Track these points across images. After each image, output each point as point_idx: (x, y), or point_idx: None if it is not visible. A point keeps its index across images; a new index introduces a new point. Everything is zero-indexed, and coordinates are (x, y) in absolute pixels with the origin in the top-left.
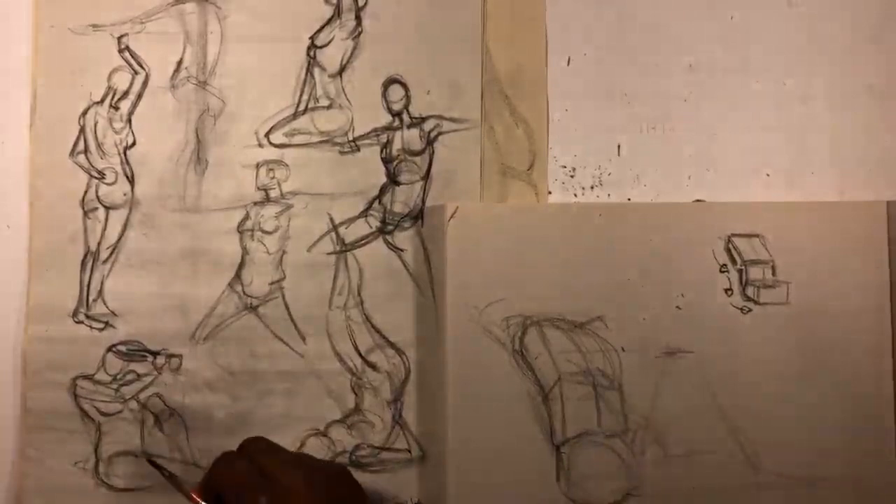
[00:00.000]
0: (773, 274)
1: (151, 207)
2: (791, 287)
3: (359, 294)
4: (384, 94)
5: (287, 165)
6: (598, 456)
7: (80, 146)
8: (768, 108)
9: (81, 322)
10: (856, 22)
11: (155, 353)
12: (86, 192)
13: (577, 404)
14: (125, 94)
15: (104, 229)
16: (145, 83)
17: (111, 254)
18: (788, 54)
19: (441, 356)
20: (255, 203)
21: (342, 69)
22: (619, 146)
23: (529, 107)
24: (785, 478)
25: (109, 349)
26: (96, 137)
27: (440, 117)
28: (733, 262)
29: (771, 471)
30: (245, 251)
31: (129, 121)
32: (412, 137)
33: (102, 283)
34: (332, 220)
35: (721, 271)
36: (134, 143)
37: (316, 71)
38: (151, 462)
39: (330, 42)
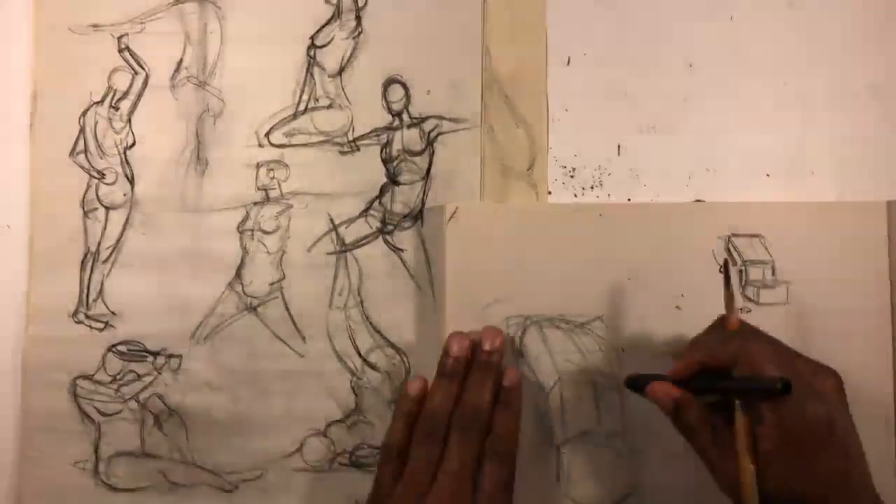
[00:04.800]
0: (773, 274)
1: (151, 207)
2: (791, 287)
3: (359, 294)
4: (384, 94)
5: (287, 165)
6: (598, 456)
7: (80, 146)
8: (768, 108)
9: (81, 322)
10: (856, 22)
11: (155, 354)
12: (86, 192)
13: (577, 404)
14: (125, 94)
15: (104, 229)
16: (145, 83)
17: (111, 254)
18: (788, 54)
19: None
20: (255, 203)
21: (342, 69)
22: (619, 146)
23: (529, 107)
24: None
25: (109, 349)
26: (96, 137)
27: (440, 117)
28: (733, 262)
29: None
30: (245, 251)
31: (129, 121)
32: (412, 137)
33: (102, 283)
34: (332, 220)
35: (721, 271)
36: (134, 143)
37: (316, 71)
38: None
39: (330, 42)
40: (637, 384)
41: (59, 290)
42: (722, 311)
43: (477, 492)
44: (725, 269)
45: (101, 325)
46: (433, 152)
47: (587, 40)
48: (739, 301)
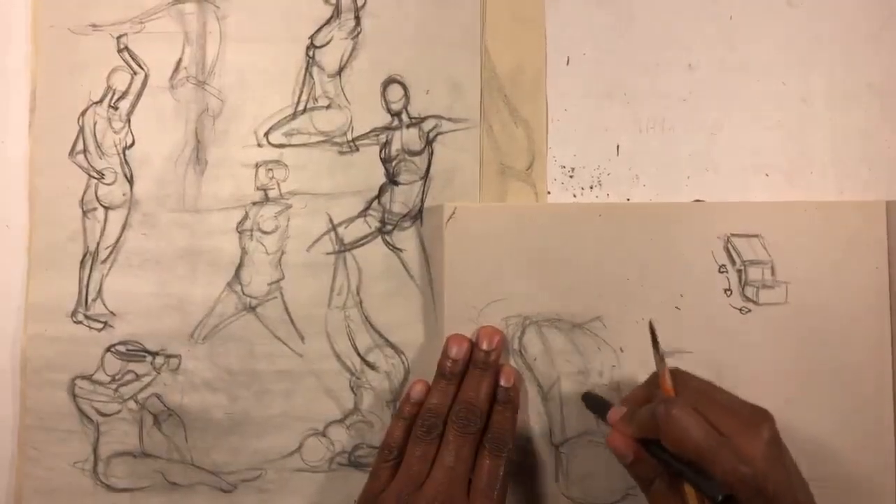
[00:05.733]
0: (773, 274)
1: (150, 207)
2: (790, 287)
3: (358, 294)
4: (383, 94)
5: (286, 165)
6: (596, 456)
7: (80, 146)
8: (768, 107)
9: (80, 322)
10: (855, 22)
11: (154, 354)
12: (85, 192)
13: (576, 404)
14: (124, 93)
15: (103, 229)
16: (144, 83)
17: (110, 254)
18: (788, 54)
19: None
20: (254, 203)
21: (341, 69)
22: (618, 146)
23: (529, 107)
24: None
25: (108, 349)
26: (95, 137)
27: (439, 117)
28: (732, 262)
29: None
30: (244, 251)
31: (129, 121)
32: (411, 137)
33: (101, 283)
34: (331, 219)
35: (720, 271)
36: (133, 143)
37: (315, 71)
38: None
39: (329, 42)
40: (595, 407)
41: (58, 290)
42: (719, 311)
43: (472, 487)
44: (652, 332)
45: (100, 325)
46: (432, 152)
47: (587, 40)
48: (738, 302)
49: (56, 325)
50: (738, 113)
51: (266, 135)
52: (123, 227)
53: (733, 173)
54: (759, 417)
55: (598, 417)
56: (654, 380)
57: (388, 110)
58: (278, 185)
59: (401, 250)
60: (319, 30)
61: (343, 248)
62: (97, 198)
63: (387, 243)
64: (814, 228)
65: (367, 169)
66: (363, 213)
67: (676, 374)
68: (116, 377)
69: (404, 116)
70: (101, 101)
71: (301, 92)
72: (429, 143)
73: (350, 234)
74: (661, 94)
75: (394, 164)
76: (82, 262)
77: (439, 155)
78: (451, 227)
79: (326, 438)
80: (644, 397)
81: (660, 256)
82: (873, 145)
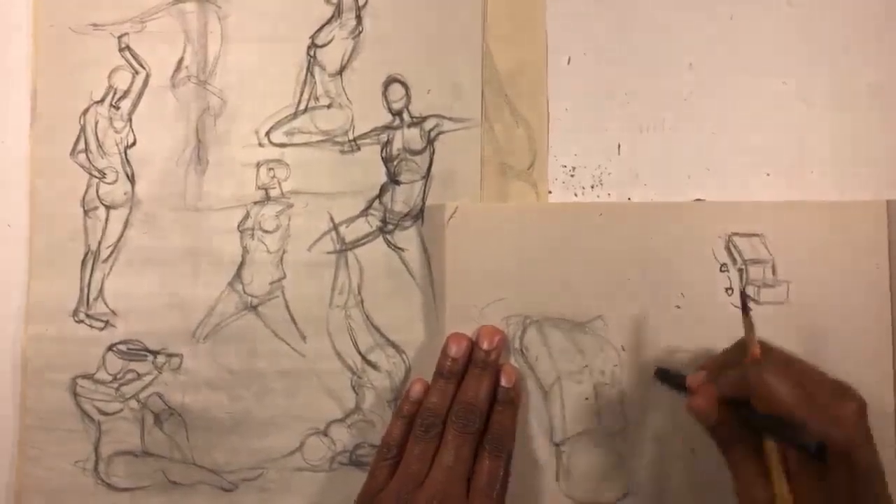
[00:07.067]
0: (774, 273)
1: (152, 207)
2: (791, 286)
3: (359, 293)
4: (384, 94)
5: (287, 165)
6: (597, 455)
7: (81, 145)
8: (768, 108)
9: (82, 321)
10: (856, 22)
11: (155, 353)
12: (86, 192)
13: (577, 403)
14: (125, 93)
15: (104, 228)
16: (146, 82)
17: (111, 253)
18: (788, 54)
19: None
20: (256, 202)
21: (342, 68)
22: (619, 146)
23: (529, 106)
24: None
25: (110, 348)
26: (97, 137)
27: (440, 116)
28: (733, 261)
29: None
30: (245, 250)
31: (130, 120)
32: (412, 137)
33: (103, 283)
34: (332, 219)
35: (721, 271)
36: (134, 143)
37: (316, 70)
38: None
39: (330, 41)
40: (670, 380)
41: (60, 290)
42: (719, 310)
43: (471, 487)
44: (742, 298)
45: (102, 325)
46: (433, 151)
47: (587, 40)
48: (739, 301)
49: (57, 325)
50: (739, 112)
51: (267, 134)
52: (125, 227)
53: (734, 173)
54: (847, 389)
55: (674, 389)
56: (735, 349)
57: (390, 110)
58: (279, 184)
59: (402, 250)
60: (321, 29)
61: (344, 248)
62: (98, 197)
63: (388, 242)
64: (815, 228)
65: (369, 168)
66: (364, 212)
67: (762, 343)
68: (118, 376)
69: (405, 116)
70: (102, 101)
71: (302, 91)
72: (430, 142)
73: (351, 233)
74: (661, 94)
75: (395, 163)
76: (83, 262)
77: (440, 154)
78: (452, 226)
79: (328, 438)
80: (723, 365)
81: (661, 255)
82: (873, 145)
